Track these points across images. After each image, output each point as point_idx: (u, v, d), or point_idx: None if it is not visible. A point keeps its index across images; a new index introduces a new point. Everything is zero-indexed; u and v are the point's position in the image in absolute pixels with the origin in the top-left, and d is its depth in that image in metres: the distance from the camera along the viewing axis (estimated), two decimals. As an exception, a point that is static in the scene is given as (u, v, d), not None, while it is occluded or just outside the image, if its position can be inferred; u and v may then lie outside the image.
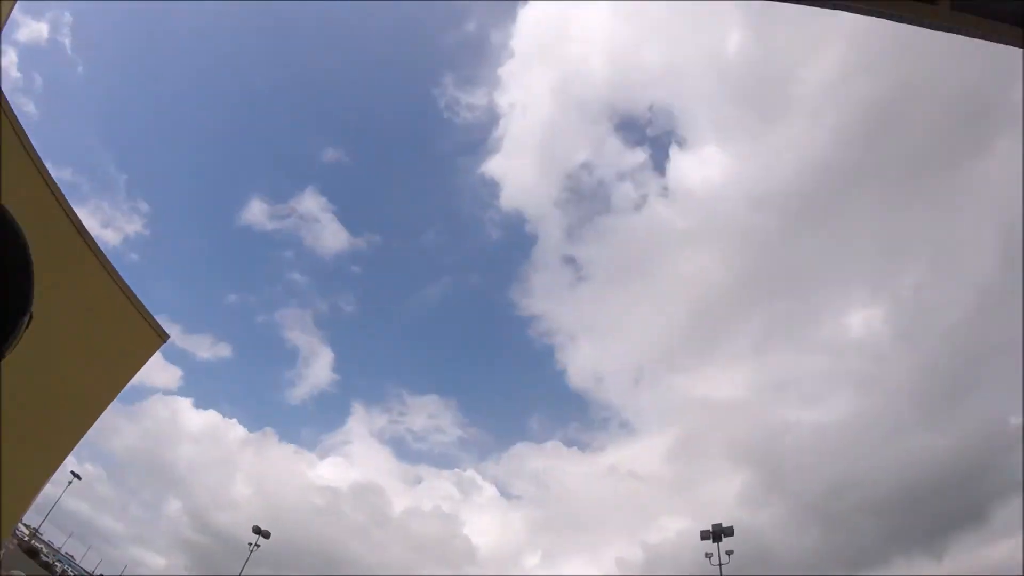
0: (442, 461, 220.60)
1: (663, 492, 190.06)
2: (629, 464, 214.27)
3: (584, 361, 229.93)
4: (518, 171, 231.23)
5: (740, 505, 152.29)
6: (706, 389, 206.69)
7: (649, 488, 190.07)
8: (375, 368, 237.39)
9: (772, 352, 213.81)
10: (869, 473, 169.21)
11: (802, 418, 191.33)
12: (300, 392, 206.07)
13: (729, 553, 45.81)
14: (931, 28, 7.61)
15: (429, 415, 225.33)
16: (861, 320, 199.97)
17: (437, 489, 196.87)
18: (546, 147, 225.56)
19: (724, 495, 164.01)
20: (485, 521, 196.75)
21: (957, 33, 7.67)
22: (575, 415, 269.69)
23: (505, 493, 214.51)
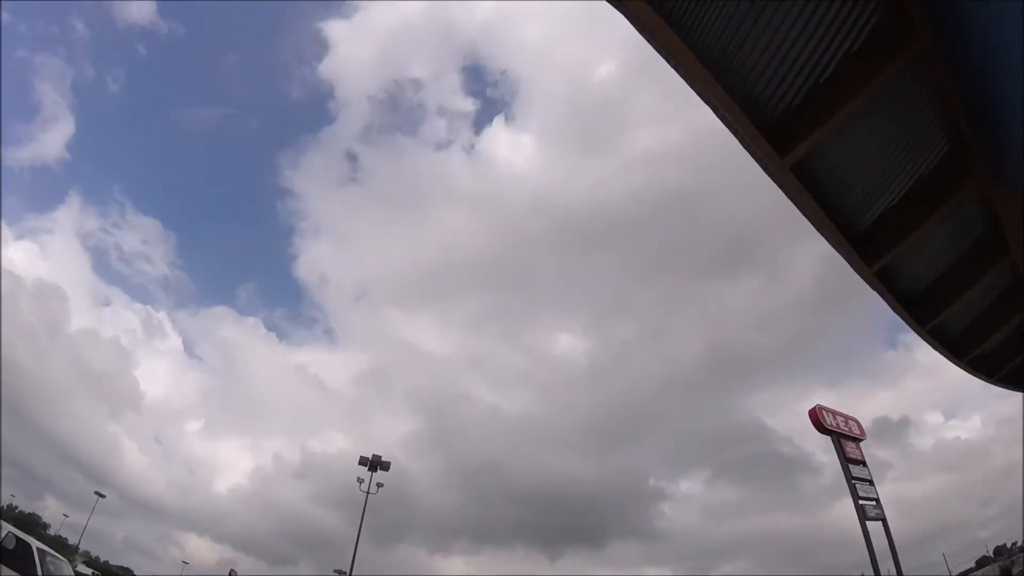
0: (138, 293, 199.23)
1: (339, 408, 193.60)
2: (318, 370, 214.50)
3: (318, 257, 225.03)
4: (354, 49, 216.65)
5: (403, 447, 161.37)
6: (415, 335, 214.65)
7: (327, 400, 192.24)
8: (110, 165, 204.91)
9: (484, 331, 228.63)
10: (519, 467, 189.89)
11: (484, 397, 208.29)
12: (21, 154, 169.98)
13: (380, 485, 48.20)
14: (767, 174, 8.62)
15: (144, 240, 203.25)
16: (567, 344, 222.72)
17: (122, 319, 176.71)
18: (392, 42, 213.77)
19: (392, 433, 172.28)
20: (160, 370, 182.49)
21: (784, 192, 8.80)
22: (287, 303, 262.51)
23: (190, 351, 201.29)
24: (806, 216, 8.93)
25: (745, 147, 7.92)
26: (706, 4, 6.78)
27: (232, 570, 78.03)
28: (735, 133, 7.74)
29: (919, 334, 12.64)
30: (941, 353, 14.26)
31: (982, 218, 10.99)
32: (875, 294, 11.31)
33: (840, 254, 9.84)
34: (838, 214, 9.20)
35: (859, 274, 10.24)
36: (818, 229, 9.27)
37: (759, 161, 8.05)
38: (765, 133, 7.64)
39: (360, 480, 48.09)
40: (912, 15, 7.33)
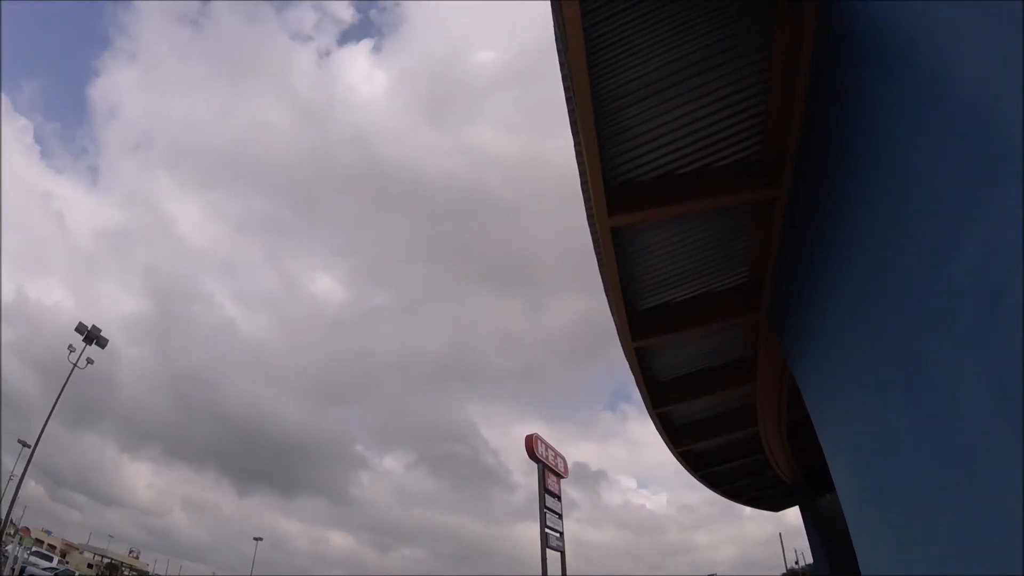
0: None
1: (70, 257, 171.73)
2: (66, 206, 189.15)
3: (120, 85, 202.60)
4: None
5: (121, 326, 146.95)
6: (178, 212, 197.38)
7: (62, 242, 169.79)
8: None
9: (249, 238, 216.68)
10: (234, 390, 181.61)
11: (223, 306, 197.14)
12: None
13: (90, 361, 43.41)
14: (589, 223, 8.88)
15: None
16: (325, 286, 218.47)
17: None
18: None
19: (115, 307, 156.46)
20: None
21: (595, 246, 8.89)
22: (65, 119, 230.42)
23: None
24: (602, 274, 9.46)
25: (584, 191, 8.25)
26: (631, 52, 7.03)
27: None
28: (581, 175, 8.01)
29: (649, 412, 13.91)
30: (661, 435, 15.84)
31: (744, 347, 12.40)
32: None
33: (613, 319, 10.53)
34: (629, 286, 9.85)
35: (622, 343, 11.02)
36: (606, 290, 9.87)
37: (588, 210, 8.38)
38: (607, 189, 7.91)
39: (72, 349, 42.85)
40: (784, 169, 8.03)
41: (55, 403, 40.69)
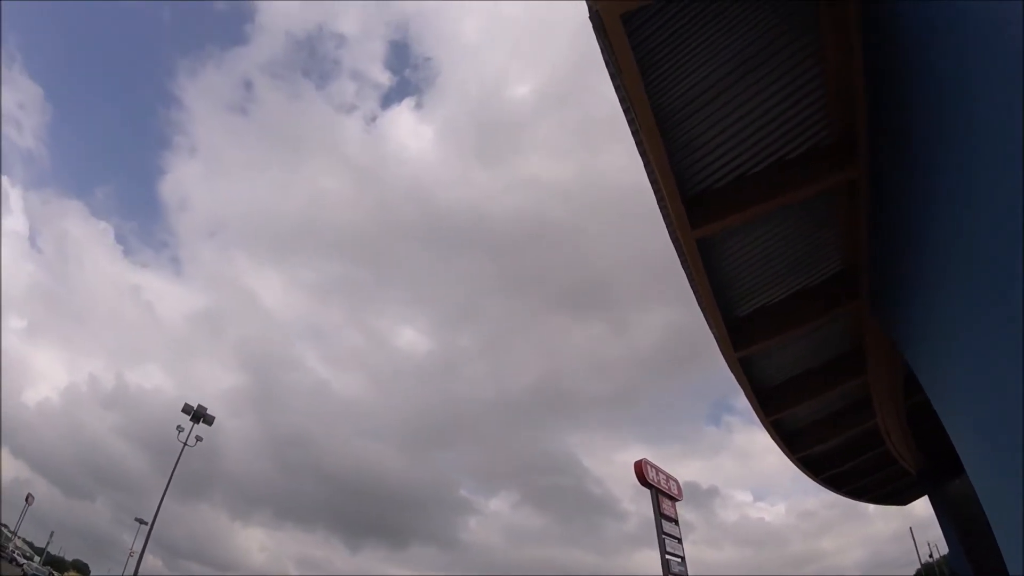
0: None
1: (165, 343, 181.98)
2: (155, 296, 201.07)
3: (186, 179, 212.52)
4: None
5: (222, 400, 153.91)
6: (260, 288, 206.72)
7: (156, 330, 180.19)
8: (15, 10, 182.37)
9: (329, 302, 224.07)
10: (336, 448, 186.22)
11: (315, 369, 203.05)
12: None
13: (199, 439, 45.43)
14: (672, 238, 8.71)
15: (21, 104, 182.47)
16: (409, 338, 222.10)
17: None
18: None
19: (214, 383, 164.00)
20: None
21: (681, 259, 8.78)
22: (142, 218, 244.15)
23: (33, 239, 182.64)
24: (693, 288, 9.18)
25: (661, 208, 8.05)
26: (679, 61, 6.84)
27: (30, 494, 70.55)
28: (656, 191, 7.85)
29: (762, 421, 13.34)
30: (777, 443, 15.14)
31: (850, 338, 11.78)
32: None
33: (712, 332, 10.18)
34: (722, 296, 9.51)
35: (724, 355, 10.64)
36: (699, 303, 9.56)
37: (669, 226, 8.18)
38: (684, 201, 7.70)
39: (180, 429, 45.04)
40: (857, 147, 7.68)
41: (168, 482, 42.69)
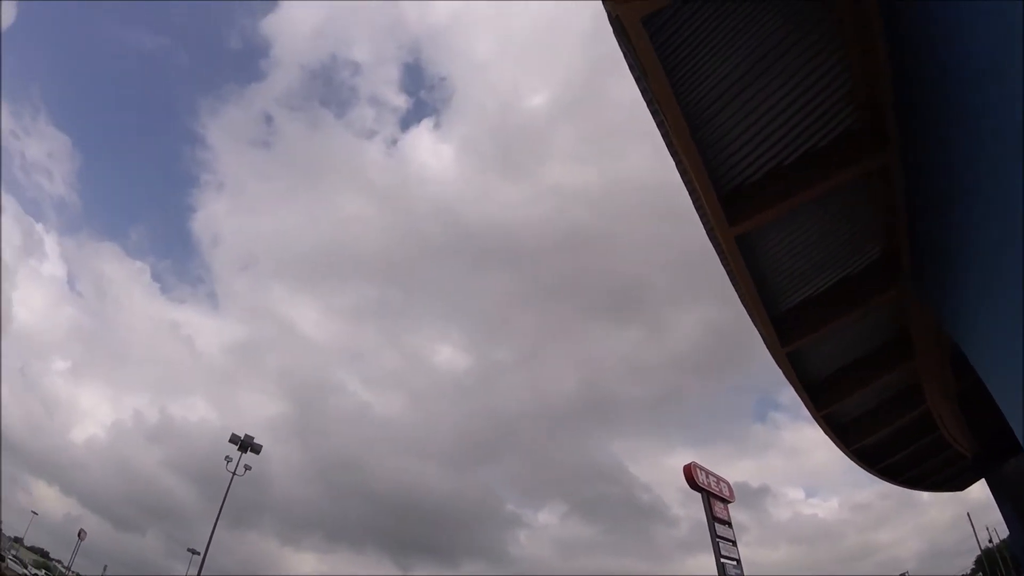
0: (31, 208, 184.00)
1: (207, 376, 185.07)
2: (194, 332, 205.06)
3: (216, 215, 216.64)
4: (300, 12, 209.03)
5: (266, 429, 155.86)
6: (296, 316, 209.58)
7: (197, 364, 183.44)
8: (37, 63, 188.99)
9: (365, 325, 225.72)
10: (382, 469, 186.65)
11: (356, 392, 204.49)
12: None
13: (248, 468, 46.02)
14: (711, 238, 8.64)
15: (50, 153, 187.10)
16: (447, 355, 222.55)
17: (10, 232, 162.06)
18: (340, 18, 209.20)
19: (257, 412, 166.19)
20: (38, 296, 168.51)
21: (722, 259, 8.82)
22: (176, 256, 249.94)
23: (72, 283, 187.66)
24: (735, 286, 9.09)
25: (696, 208, 8.00)
26: (702, 59, 6.78)
27: (82, 530, 72.34)
28: (691, 192, 7.82)
29: (813, 416, 13.13)
30: (830, 437, 14.88)
31: (894, 324, 11.57)
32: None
33: (757, 329, 10.06)
34: (764, 291, 9.41)
35: (771, 351, 10.51)
36: (743, 301, 9.46)
37: (706, 224, 8.14)
38: (720, 199, 7.66)
39: (228, 459, 45.72)
40: (887, 130, 7.60)
41: (219, 512, 43.25)
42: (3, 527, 69.68)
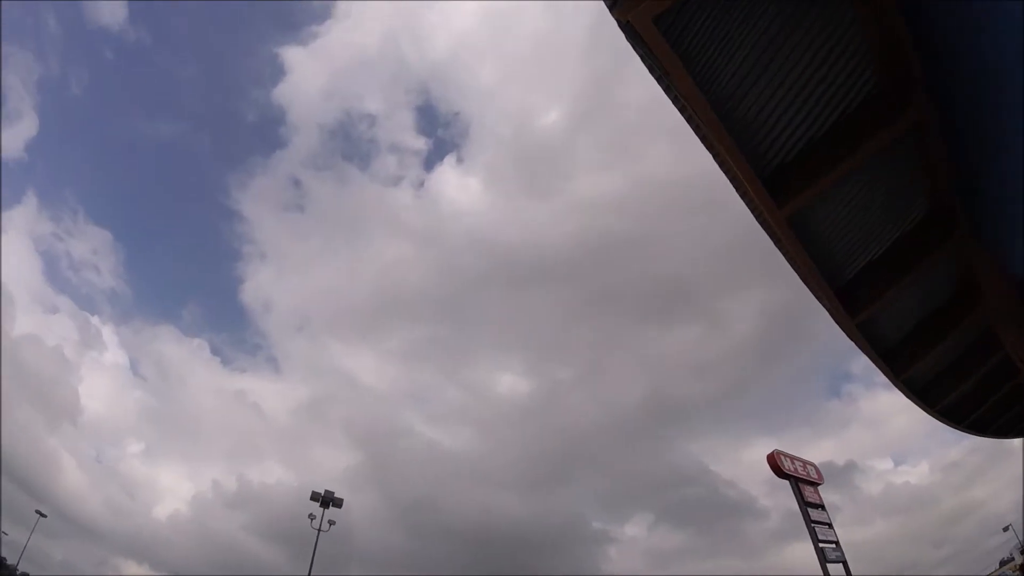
0: (85, 303, 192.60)
1: (277, 438, 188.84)
2: (259, 398, 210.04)
3: (263, 283, 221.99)
4: (308, 75, 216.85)
5: (341, 481, 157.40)
6: (355, 367, 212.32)
7: (266, 428, 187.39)
8: (67, 168, 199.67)
9: (423, 365, 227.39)
10: (461, 504, 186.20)
11: (424, 432, 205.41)
12: None
13: (332, 522, 46.81)
14: (762, 224, 8.72)
15: (94, 250, 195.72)
16: (507, 382, 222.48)
17: (68, 329, 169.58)
18: (347, 75, 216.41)
19: (331, 466, 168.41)
20: (102, 386, 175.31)
21: (777, 244, 8.91)
22: (231, 328, 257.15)
23: (135, 368, 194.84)
24: (795, 267, 9.06)
25: (742, 196, 8.02)
26: (718, 47, 6.85)
27: None
28: (733, 180, 7.85)
29: (894, 383, 12.90)
30: (913, 401, 14.57)
31: (955, 276, 11.37)
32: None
33: (823, 304, 9.99)
34: (824, 266, 9.35)
35: (840, 326, 10.41)
36: (804, 280, 9.41)
37: (754, 211, 8.15)
38: (764, 184, 7.71)
39: (312, 516, 46.62)
40: (911, 81, 7.59)
41: (310, 568, 43.97)
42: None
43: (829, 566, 22.90)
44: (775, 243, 8.64)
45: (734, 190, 8.23)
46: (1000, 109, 6.68)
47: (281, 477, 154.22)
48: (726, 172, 7.81)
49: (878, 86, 7.86)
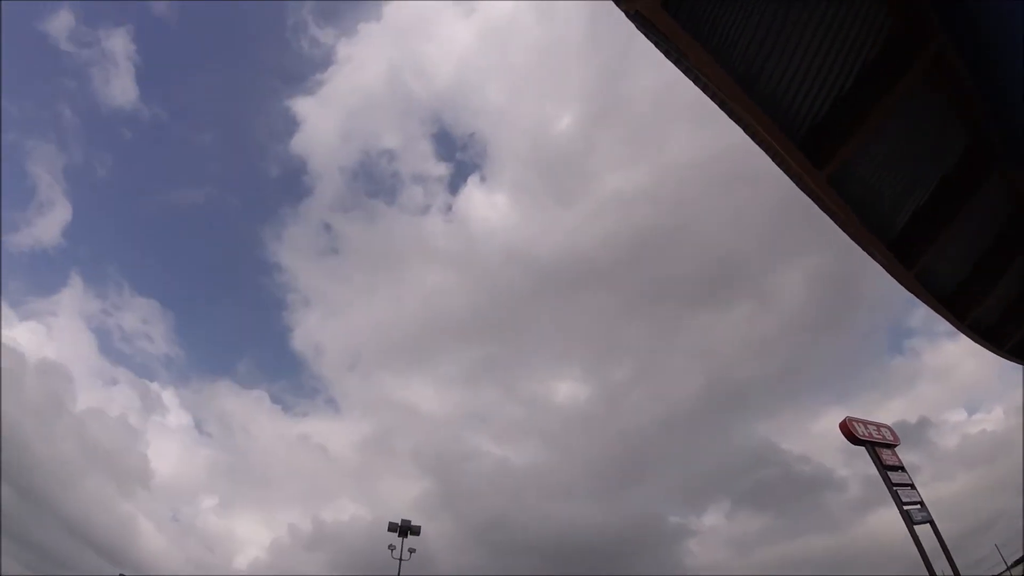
0: (142, 371, 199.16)
1: (346, 476, 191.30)
2: (323, 439, 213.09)
3: (311, 328, 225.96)
4: (322, 123, 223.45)
5: (415, 510, 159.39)
6: (413, 397, 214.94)
7: (334, 468, 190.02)
8: (105, 247, 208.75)
9: (479, 386, 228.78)
10: (531, 518, 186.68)
11: (491, 451, 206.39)
12: (21, 239, 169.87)
13: (412, 551, 47.09)
14: (803, 189, 8.58)
15: (143, 319, 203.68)
16: (567, 390, 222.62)
17: (130, 398, 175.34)
18: (360, 115, 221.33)
19: (402, 496, 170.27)
20: (170, 448, 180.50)
21: (821, 206, 8.77)
22: (288, 376, 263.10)
23: (200, 427, 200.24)
24: (843, 227, 8.88)
25: (778, 163, 7.89)
26: (729, 19, 6.77)
27: None
28: (767, 150, 7.72)
29: (960, 330, 12.52)
30: (981, 344, 14.12)
31: (1006, 206, 11.04)
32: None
33: (878, 262, 9.76)
34: (871, 222, 9.16)
35: (898, 279, 10.16)
36: (855, 239, 9.20)
37: (794, 176, 8.02)
38: (800, 147, 7.61)
39: (391, 547, 47.01)
40: (925, 17, 7.46)
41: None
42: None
43: (916, 527, 22.32)
44: (819, 206, 8.48)
45: (765, 161, 8.08)
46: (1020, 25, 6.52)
47: (355, 513, 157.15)
48: (759, 143, 7.71)
49: (896, 27, 7.73)
